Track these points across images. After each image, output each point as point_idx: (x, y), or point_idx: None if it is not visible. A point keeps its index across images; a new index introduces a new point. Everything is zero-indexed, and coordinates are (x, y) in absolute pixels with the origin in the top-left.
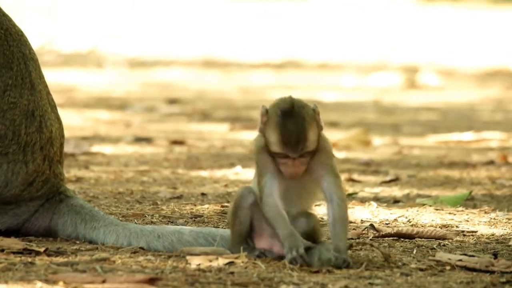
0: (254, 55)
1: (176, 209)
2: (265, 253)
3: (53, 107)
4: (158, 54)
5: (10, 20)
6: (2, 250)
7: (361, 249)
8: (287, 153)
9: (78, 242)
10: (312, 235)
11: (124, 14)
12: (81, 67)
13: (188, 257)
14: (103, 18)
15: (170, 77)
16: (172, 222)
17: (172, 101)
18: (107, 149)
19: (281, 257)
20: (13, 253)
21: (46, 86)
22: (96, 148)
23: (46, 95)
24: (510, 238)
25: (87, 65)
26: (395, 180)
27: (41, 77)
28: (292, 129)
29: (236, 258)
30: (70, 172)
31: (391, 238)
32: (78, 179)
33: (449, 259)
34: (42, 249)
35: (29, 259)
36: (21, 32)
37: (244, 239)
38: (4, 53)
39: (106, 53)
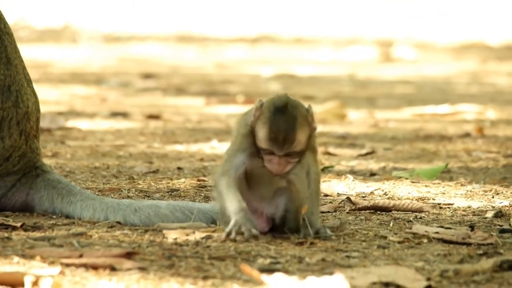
0: (230, 30)
1: (153, 184)
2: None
3: (29, 81)
4: (133, 29)
5: None
6: None
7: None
8: (273, 150)
9: (54, 217)
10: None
11: None
12: (55, 43)
13: (164, 231)
14: None
15: (146, 52)
16: (148, 197)
17: (148, 76)
18: (83, 124)
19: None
20: None
21: (21, 61)
22: (72, 123)
23: (22, 70)
24: (486, 210)
25: (62, 40)
26: (371, 153)
27: (16, 51)
28: (281, 127)
29: (213, 231)
30: (46, 147)
31: (368, 211)
32: (54, 154)
33: (426, 231)
34: (18, 224)
35: (6, 234)
36: None
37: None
38: None
39: (81, 28)
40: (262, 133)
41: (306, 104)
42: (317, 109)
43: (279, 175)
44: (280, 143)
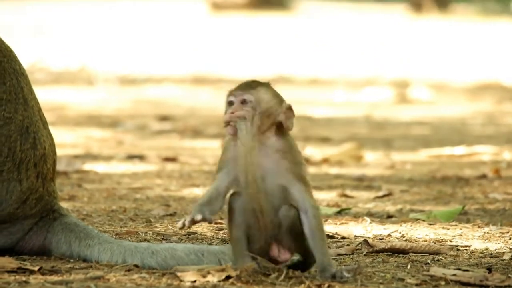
0: (245, 71)
1: (170, 226)
2: (259, 262)
3: (45, 123)
4: (149, 71)
5: None
6: None
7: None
8: (231, 92)
9: (72, 260)
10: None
11: (113, 32)
12: (71, 85)
13: (179, 274)
14: (93, 36)
15: (161, 94)
16: (166, 240)
17: (164, 118)
18: (99, 167)
19: (276, 262)
20: (7, 272)
21: (37, 103)
22: (88, 166)
23: (38, 111)
24: (504, 252)
25: (78, 82)
26: (388, 195)
27: (32, 93)
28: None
29: (232, 271)
30: (63, 190)
31: (385, 253)
32: (71, 197)
33: (444, 274)
34: (36, 268)
35: (24, 278)
36: (10, 48)
37: (244, 248)
38: None
39: (97, 70)
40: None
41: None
42: (333, 151)
43: (230, 124)
44: (240, 85)
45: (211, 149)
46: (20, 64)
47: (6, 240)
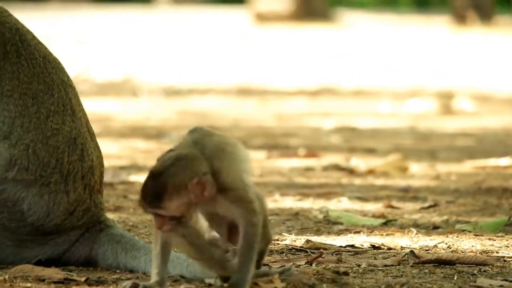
0: (289, 82)
1: None
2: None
3: (92, 135)
4: (193, 82)
5: (46, 48)
6: (43, 280)
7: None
8: (142, 206)
9: (118, 271)
10: None
11: (157, 42)
12: (116, 96)
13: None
14: (137, 46)
15: (206, 105)
16: None
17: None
18: (144, 178)
19: None
20: (54, 283)
21: (85, 114)
22: (133, 177)
23: (86, 123)
24: None
25: (122, 94)
26: (433, 206)
27: (80, 104)
28: (148, 182)
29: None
30: (108, 201)
31: (432, 264)
32: (117, 208)
33: (490, 285)
34: (83, 279)
35: None
36: (58, 60)
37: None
38: (44, 80)
39: (141, 81)
40: None
41: (202, 169)
42: (378, 162)
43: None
44: (143, 199)
45: (256, 160)
46: (68, 76)
47: (53, 251)
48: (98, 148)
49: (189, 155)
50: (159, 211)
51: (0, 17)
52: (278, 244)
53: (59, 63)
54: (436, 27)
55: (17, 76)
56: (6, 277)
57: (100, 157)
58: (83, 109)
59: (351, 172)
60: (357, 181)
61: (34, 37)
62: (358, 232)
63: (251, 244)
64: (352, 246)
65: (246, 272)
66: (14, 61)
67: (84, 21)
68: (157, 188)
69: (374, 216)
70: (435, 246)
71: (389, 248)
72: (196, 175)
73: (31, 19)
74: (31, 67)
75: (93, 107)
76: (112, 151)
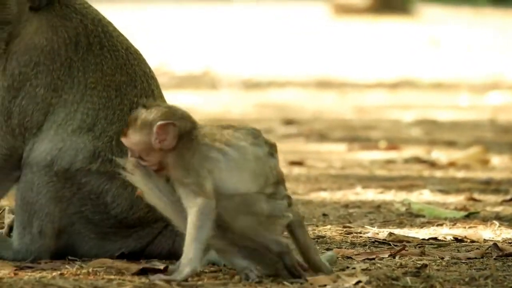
0: (368, 74)
1: None
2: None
3: None
4: (272, 75)
5: (127, 39)
6: (123, 273)
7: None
8: None
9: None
10: None
11: (235, 35)
12: (195, 89)
13: (309, 279)
14: (217, 40)
15: (285, 98)
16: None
17: (289, 122)
18: None
19: None
20: (136, 274)
21: None
22: None
23: None
24: None
25: (202, 86)
26: None
27: (161, 96)
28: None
29: (362, 277)
30: None
31: None
32: None
33: None
34: (161, 267)
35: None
36: (139, 51)
37: None
38: (127, 72)
39: (221, 74)
40: None
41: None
42: (459, 155)
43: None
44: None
45: (337, 152)
46: (149, 67)
47: (136, 244)
48: None
49: (180, 110)
50: (124, 139)
51: (81, 9)
52: (361, 237)
53: (140, 55)
54: None
55: (100, 68)
56: (90, 269)
57: None
58: (164, 100)
59: (432, 164)
60: (438, 173)
61: (115, 29)
62: (441, 224)
63: (193, 226)
64: (435, 238)
65: (189, 254)
66: (98, 53)
67: (161, 13)
68: (132, 118)
69: (456, 208)
70: None
71: (472, 241)
72: (164, 121)
73: (107, 11)
74: (114, 59)
75: (173, 99)
76: None
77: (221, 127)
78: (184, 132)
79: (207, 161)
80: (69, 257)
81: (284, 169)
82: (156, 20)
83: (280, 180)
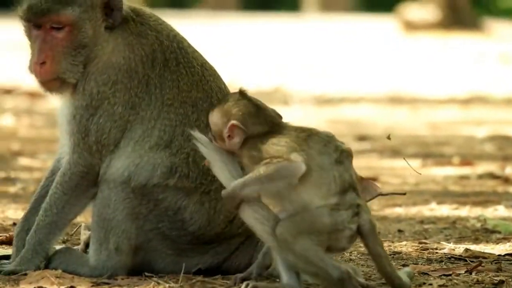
0: (440, 90)
1: None
2: None
3: None
4: (344, 90)
5: (201, 55)
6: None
7: None
8: None
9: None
10: None
11: (307, 51)
12: (268, 105)
13: None
14: (286, 56)
15: (358, 114)
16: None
17: (362, 138)
18: None
19: None
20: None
21: None
22: None
23: None
24: None
25: (274, 102)
26: None
27: None
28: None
29: None
30: None
31: None
32: None
33: None
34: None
35: None
36: (214, 67)
37: None
38: (203, 88)
39: (292, 90)
40: None
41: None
42: None
43: None
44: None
45: (410, 169)
46: (224, 83)
47: (213, 260)
48: None
49: (264, 112)
50: (210, 113)
51: (155, 25)
52: (436, 253)
53: (215, 71)
54: None
55: (177, 84)
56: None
57: None
58: None
59: (506, 180)
60: None
61: (189, 45)
62: None
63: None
64: (511, 254)
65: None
66: (174, 69)
67: (232, 29)
68: (224, 99)
69: None
70: None
71: None
72: (238, 123)
73: (178, 27)
74: (190, 75)
75: None
76: None
77: (299, 130)
78: (254, 135)
79: (286, 144)
80: (146, 274)
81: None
82: (226, 34)
83: (347, 188)
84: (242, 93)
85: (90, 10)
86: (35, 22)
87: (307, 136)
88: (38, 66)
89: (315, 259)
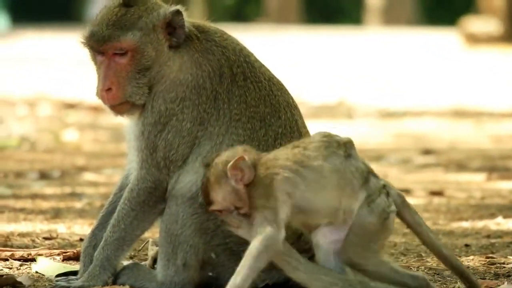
0: (504, 104)
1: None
2: None
3: None
4: (407, 104)
5: (268, 70)
6: None
7: None
8: None
9: None
10: None
11: (369, 65)
12: (331, 119)
13: None
14: (349, 69)
15: (422, 128)
16: (438, 274)
17: (427, 152)
18: None
19: None
20: None
21: (310, 135)
22: None
23: None
24: None
25: (337, 116)
26: None
27: (305, 126)
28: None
29: None
30: None
31: None
32: None
33: None
34: None
35: None
36: (281, 82)
37: None
38: (271, 103)
39: (355, 104)
40: None
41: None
42: None
43: None
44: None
45: (476, 182)
46: (292, 97)
47: (280, 275)
48: None
49: (238, 148)
50: (212, 208)
51: (221, 41)
52: (504, 267)
53: (282, 85)
54: None
55: (244, 99)
56: None
57: None
58: (308, 131)
59: None
60: None
61: (256, 59)
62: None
63: (252, 253)
64: None
65: (238, 277)
66: (241, 84)
67: (294, 42)
68: (204, 187)
69: None
70: None
71: None
72: (232, 160)
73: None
74: (257, 90)
75: (311, 128)
76: None
77: (290, 147)
78: (255, 162)
79: (286, 183)
80: None
81: (424, 199)
82: (288, 47)
83: (367, 176)
84: (206, 164)
85: (151, 32)
86: (97, 49)
87: (303, 149)
88: (105, 92)
89: (391, 274)
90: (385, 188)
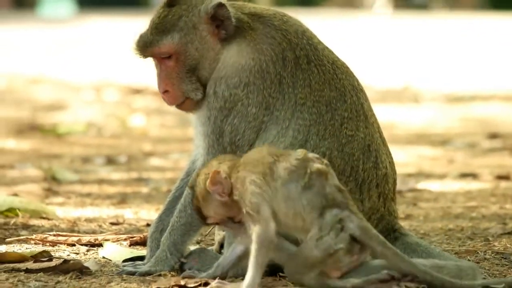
0: None
1: (508, 245)
2: None
3: (384, 140)
4: (474, 88)
5: (332, 52)
6: None
7: None
8: None
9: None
10: None
11: (435, 49)
12: (397, 103)
13: None
14: (415, 54)
15: (489, 112)
16: (505, 258)
17: (493, 136)
18: (433, 185)
19: None
20: None
21: (376, 119)
22: (422, 184)
23: (378, 128)
24: None
25: (403, 101)
26: None
27: (371, 109)
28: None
29: None
30: (398, 209)
31: None
32: (407, 216)
33: None
34: None
35: None
36: (346, 64)
37: None
38: (335, 86)
39: (421, 89)
40: None
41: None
42: None
43: None
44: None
45: None
46: (357, 80)
47: None
48: (390, 154)
49: (214, 160)
50: (208, 223)
51: (280, 25)
52: None
53: (348, 68)
54: None
55: (308, 83)
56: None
57: (392, 163)
58: (374, 114)
59: None
60: None
61: (320, 41)
62: None
63: (253, 252)
64: None
65: (251, 274)
66: (305, 67)
67: (356, 26)
68: (194, 205)
69: None
70: None
71: None
72: (208, 178)
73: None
74: (322, 74)
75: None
76: (398, 158)
77: (262, 158)
78: (229, 172)
79: (253, 184)
80: (280, 274)
81: (491, 183)
82: (349, 30)
83: (325, 208)
84: (189, 187)
85: (193, 31)
86: (144, 55)
87: (272, 164)
88: (164, 95)
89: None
90: (341, 223)
